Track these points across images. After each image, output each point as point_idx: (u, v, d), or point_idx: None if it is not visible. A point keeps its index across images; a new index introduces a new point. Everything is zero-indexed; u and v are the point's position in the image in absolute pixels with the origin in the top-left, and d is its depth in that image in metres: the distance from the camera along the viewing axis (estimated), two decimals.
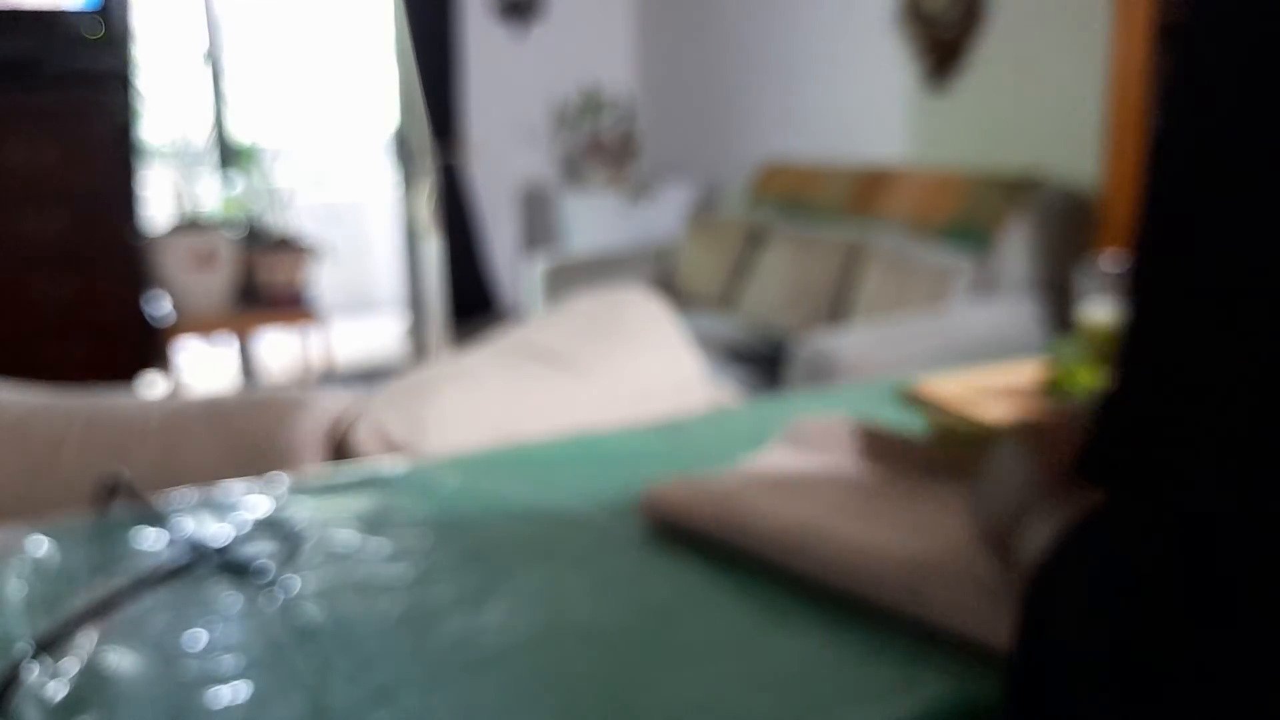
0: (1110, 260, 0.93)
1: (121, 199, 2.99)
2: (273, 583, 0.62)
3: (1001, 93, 2.88)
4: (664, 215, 3.90)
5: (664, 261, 3.60)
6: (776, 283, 3.07)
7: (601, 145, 4.11)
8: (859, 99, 3.36)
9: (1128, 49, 2.18)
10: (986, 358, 1.10)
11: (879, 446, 0.76)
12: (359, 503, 0.75)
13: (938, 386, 0.86)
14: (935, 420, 0.82)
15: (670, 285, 3.53)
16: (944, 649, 0.51)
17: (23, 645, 0.55)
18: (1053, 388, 0.84)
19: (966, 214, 2.69)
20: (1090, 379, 0.82)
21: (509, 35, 4.14)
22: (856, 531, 0.61)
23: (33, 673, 0.52)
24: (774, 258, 3.12)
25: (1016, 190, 2.60)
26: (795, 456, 0.77)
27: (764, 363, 2.67)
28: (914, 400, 0.85)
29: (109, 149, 2.93)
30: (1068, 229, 2.56)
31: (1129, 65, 2.18)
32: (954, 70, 2.99)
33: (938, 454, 0.73)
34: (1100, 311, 0.88)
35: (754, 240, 3.28)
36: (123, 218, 3.00)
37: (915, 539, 0.61)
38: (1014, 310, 2.49)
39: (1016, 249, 2.57)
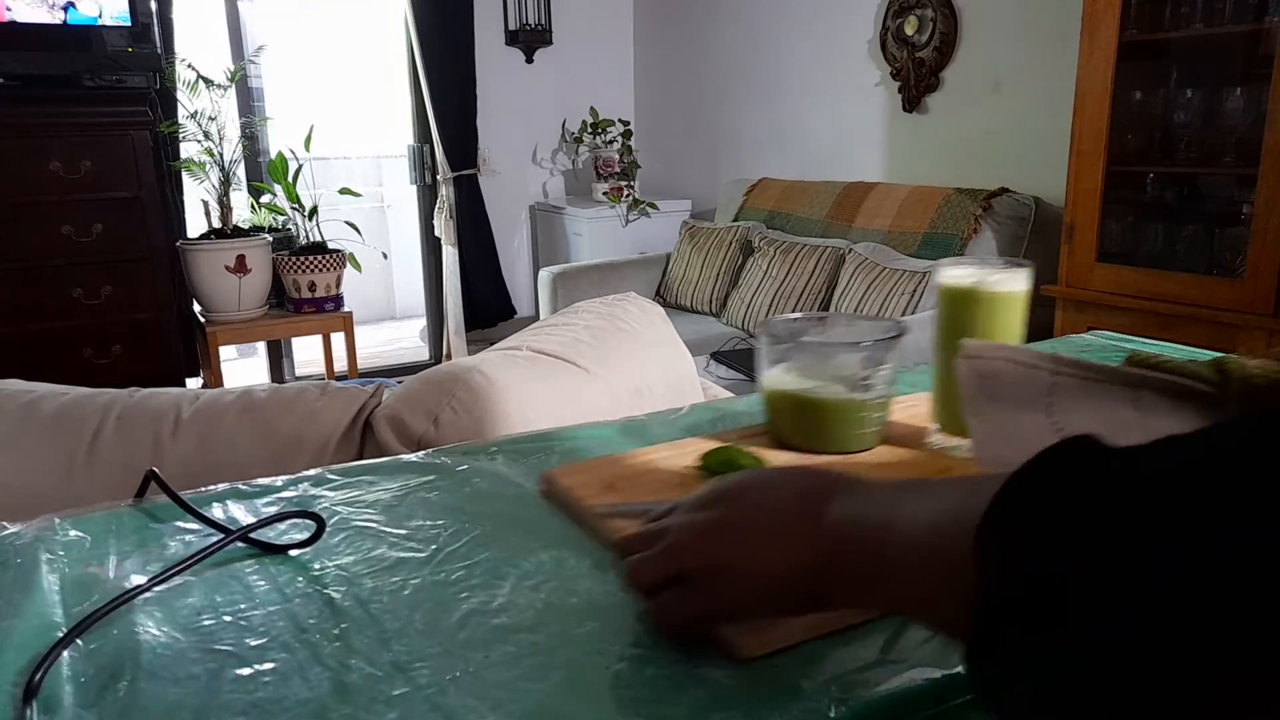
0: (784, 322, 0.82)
1: (156, 207, 2.97)
2: (297, 564, 0.61)
3: (975, 113, 2.87)
4: (661, 228, 3.91)
5: (660, 269, 3.60)
6: (763, 288, 3.06)
7: (604, 164, 4.11)
8: (840, 122, 3.36)
9: (1095, 71, 2.17)
10: None
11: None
12: (379, 490, 0.73)
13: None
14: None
15: (666, 291, 3.52)
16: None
17: (57, 627, 0.53)
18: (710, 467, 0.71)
19: (939, 224, 2.68)
20: (751, 461, 0.70)
21: (519, 61, 4.14)
22: None
23: (66, 653, 0.51)
24: (760, 265, 3.11)
25: (986, 200, 2.59)
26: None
27: (750, 362, 2.66)
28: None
29: (144, 159, 2.92)
30: (1034, 235, 2.55)
31: (1096, 86, 2.17)
32: (930, 93, 2.99)
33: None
34: (779, 377, 0.77)
35: (742, 249, 3.28)
36: (157, 225, 2.98)
37: None
38: None
39: (986, 254, 2.56)
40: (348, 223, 3.42)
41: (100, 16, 2.83)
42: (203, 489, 0.73)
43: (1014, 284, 0.73)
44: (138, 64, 2.90)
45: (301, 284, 3.32)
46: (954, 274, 0.75)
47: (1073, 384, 0.67)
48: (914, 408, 0.86)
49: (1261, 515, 0.25)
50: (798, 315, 0.86)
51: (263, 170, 3.59)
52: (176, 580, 0.59)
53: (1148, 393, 0.64)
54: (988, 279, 0.73)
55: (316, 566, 0.61)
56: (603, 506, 0.65)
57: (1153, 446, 0.30)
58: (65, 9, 2.79)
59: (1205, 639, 0.25)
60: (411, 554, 0.62)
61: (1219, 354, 0.68)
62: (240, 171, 3.46)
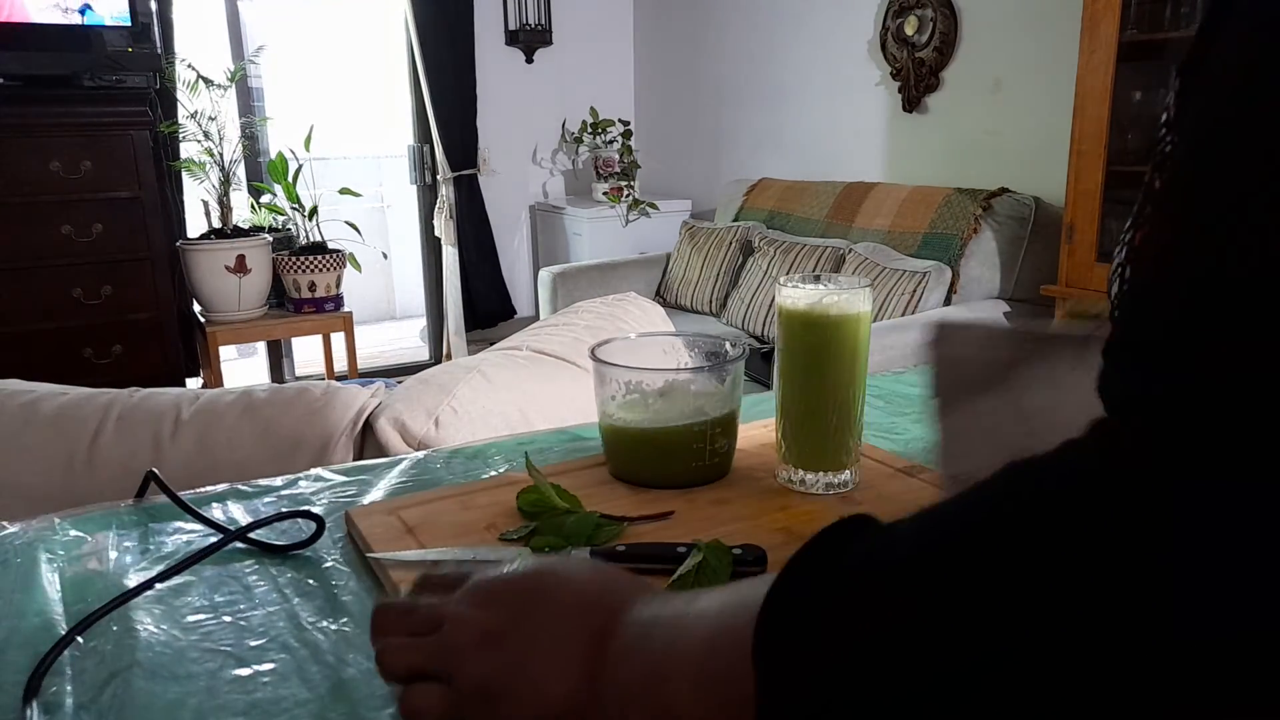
0: None
1: (156, 207, 2.97)
2: (296, 564, 0.61)
3: (975, 113, 2.87)
4: (661, 228, 3.91)
5: (660, 269, 3.60)
6: (763, 288, 3.06)
7: (604, 164, 4.11)
8: (840, 122, 3.36)
9: (1095, 71, 2.17)
10: None
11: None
12: (379, 491, 0.73)
13: None
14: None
15: (666, 291, 3.52)
16: None
17: (57, 626, 0.53)
18: None
19: (939, 224, 2.68)
20: (570, 501, 0.65)
21: (519, 61, 4.15)
22: None
23: (66, 652, 0.51)
24: (760, 265, 3.11)
25: (986, 200, 2.59)
26: None
27: (750, 360, 2.66)
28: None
29: (144, 159, 2.92)
30: (1034, 235, 2.55)
31: (1096, 86, 2.17)
32: (930, 92, 2.99)
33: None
34: (610, 408, 0.70)
35: (742, 249, 3.28)
36: (157, 225, 2.98)
37: None
38: (981, 311, 2.49)
39: (986, 254, 2.56)
40: (348, 223, 3.42)
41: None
42: (202, 489, 0.73)
43: (854, 305, 0.68)
44: (138, 64, 2.90)
45: (301, 284, 3.32)
46: (792, 295, 0.68)
47: (1033, 357, 0.64)
48: (770, 433, 0.78)
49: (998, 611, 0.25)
50: (638, 335, 0.82)
51: (263, 170, 3.59)
52: (176, 580, 0.59)
53: (1094, 346, 0.60)
54: (824, 300, 0.67)
55: (316, 566, 0.61)
56: (388, 558, 0.59)
57: (911, 524, 0.30)
58: (82, 11, 2.79)
59: None
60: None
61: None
62: (240, 171, 3.46)
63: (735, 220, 3.45)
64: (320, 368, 3.72)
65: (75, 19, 2.78)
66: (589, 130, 4.17)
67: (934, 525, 0.29)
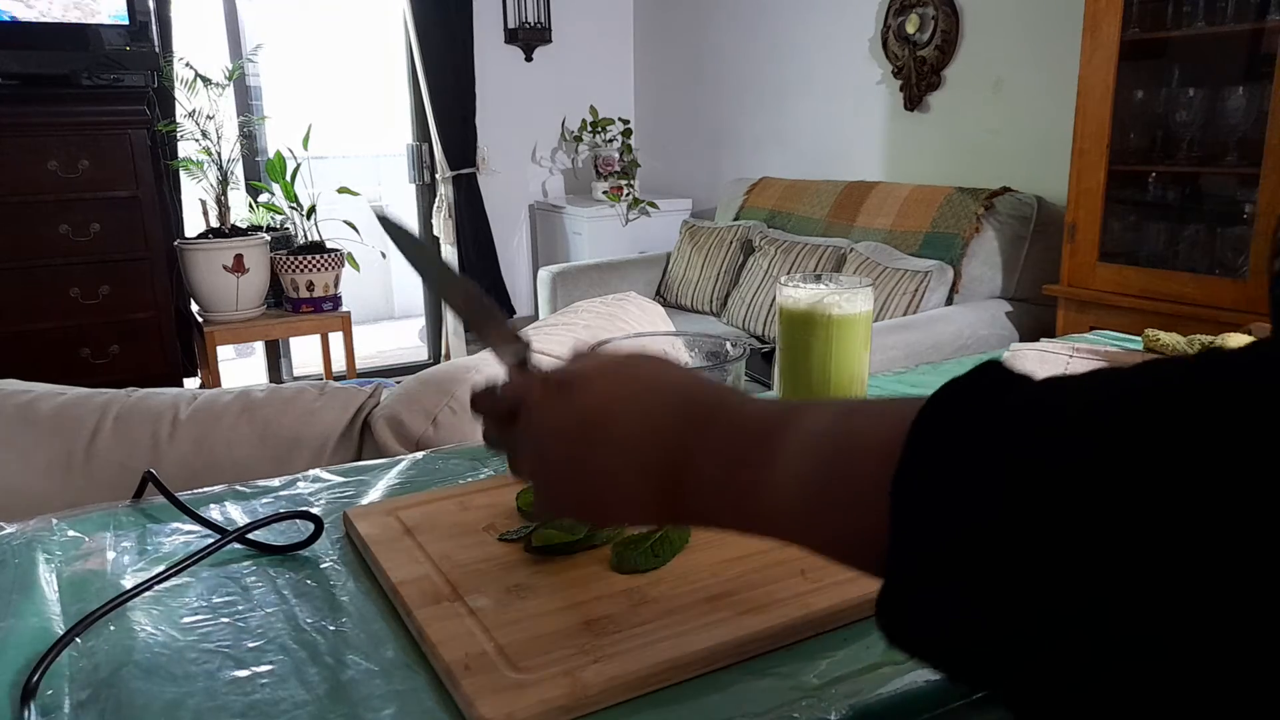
0: None
1: (154, 207, 2.97)
2: (295, 565, 0.61)
3: (976, 112, 2.87)
4: (661, 228, 3.91)
5: (660, 269, 3.60)
6: (763, 288, 3.06)
7: (604, 163, 4.11)
8: (842, 121, 3.36)
9: (1097, 70, 2.17)
10: (961, 355, 1.09)
11: None
12: (378, 491, 0.73)
13: None
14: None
15: (666, 291, 3.52)
16: None
17: (55, 627, 0.53)
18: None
19: (940, 223, 2.68)
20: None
21: (518, 59, 4.14)
22: None
23: (63, 653, 0.51)
24: (761, 264, 3.11)
25: (987, 199, 2.59)
26: None
27: (750, 360, 2.66)
28: None
29: (141, 159, 2.92)
30: (1036, 235, 2.55)
31: (1098, 85, 2.17)
32: (931, 91, 2.99)
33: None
34: None
35: (743, 248, 3.28)
36: (155, 225, 2.98)
37: None
38: (984, 311, 2.49)
39: (987, 253, 2.56)
40: (346, 222, 3.42)
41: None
42: (200, 490, 0.73)
43: (854, 305, 0.68)
44: (135, 63, 2.90)
45: (300, 283, 3.32)
46: (793, 294, 0.69)
47: (1086, 363, 0.77)
48: None
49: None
50: (638, 335, 0.81)
51: (261, 169, 3.59)
52: (174, 581, 0.59)
53: None
54: (825, 300, 0.68)
55: (314, 567, 0.61)
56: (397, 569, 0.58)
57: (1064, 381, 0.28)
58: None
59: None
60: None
61: (1210, 338, 0.76)
62: (238, 170, 3.46)
63: (736, 219, 3.45)
64: (319, 368, 3.72)
65: (73, 17, 2.78)
66: (589, 129, 4.17)
67: (1105, 384, 0.27)
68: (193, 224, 3.46)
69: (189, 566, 0.60)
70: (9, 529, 0.66)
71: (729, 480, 0.37)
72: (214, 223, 3.27)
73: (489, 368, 1.06)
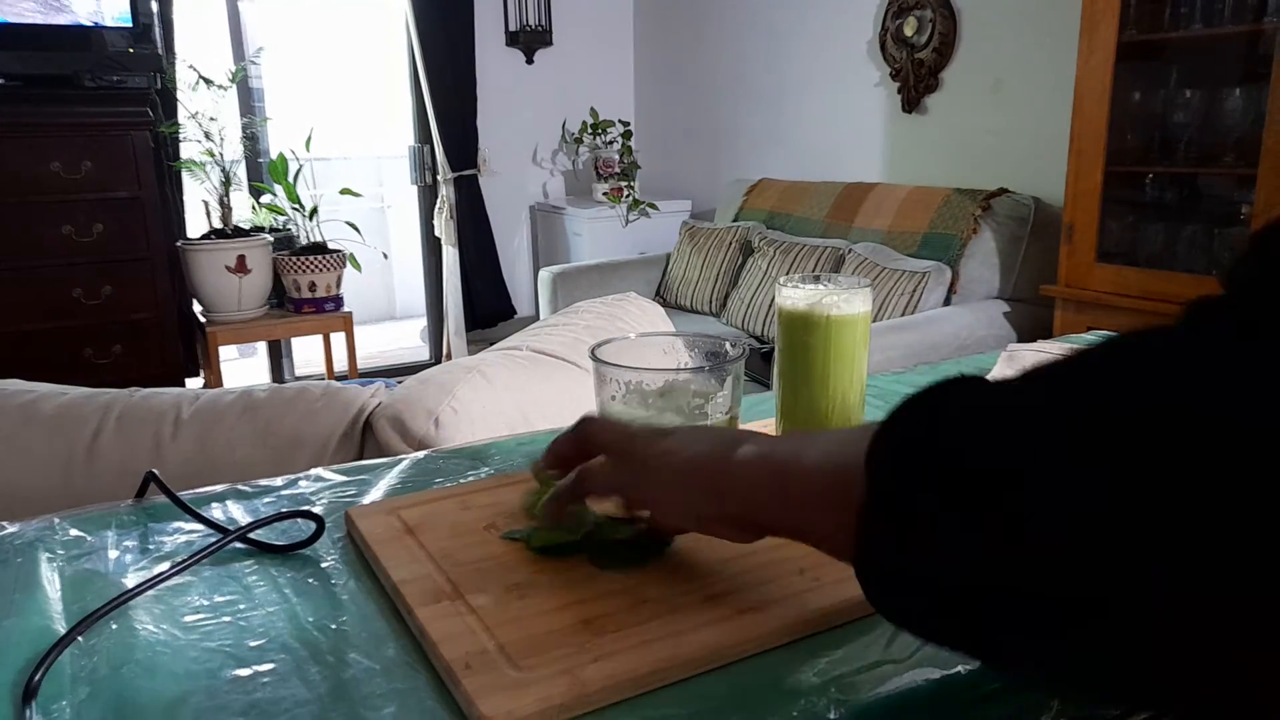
0: None
1: (157, 208, 2.97)
2: (296, 564, 0.61)
3: (974, 114, 2.87)
4: (661, 229, 3.91)
5: (660, 269, 3.60)
6: (763, 288, 3.06)
7: (604, 164, 4.11)
8: (840, 122, 3.36)
9: (1094, 71, 2.17)
10: (959, 355, 1.09)
11: None
12: (379, 491, 0.73)
13: None
14: None
15: (666, 291, 3.52)
16: None
17: (56, 626, 0.53)
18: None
19: (938, 224, 2.68)
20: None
21: (519, 61, 4.15)
22: None
23: (65, 652, 0.51)
24: (760, 265, 3.11)
25: (985, 200, 2.59)
26: None
27: (750, 360, 2.66)
28: None
29: (144, 160, 2.92)
30: (1034, 235, 2.55)
31: (1095, 86, 2.17)
32: (929, 93, 2.99)
33: None
34: (612, 407, 0.68)
35: (742, 249, 3.28)
36: (158, 226, 2.98)
37: None
38: (981, 312, 2.49)
39: (985, 254, 2.56)
40: (348, 223, 3.42)
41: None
42: (202, 489, 0.73)
43: (853, 306, 0.67)
44: (138, 64, 2.90)
45: (302, 284, 3.32)
46: (791, 295, 0.68)
47: None
48: (770, 434, 0.78)
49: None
50: (638, 335, 0.81)
51: (263, 170, 3.59)
52: (176, 580, 0.59)
53: None
54: (824, 300, 0.67)
55: (316, 566, 0.61)
56: (397, 569, 0.57)
57: (1031, 374, 0.32)
58: None
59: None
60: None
61: None
62: (240, 172, 3.46)
63: (735, 220, 3.45)
64: (320, 368, 3.72)
65: (75, 19, 2.78)
66: (589, 130, 4.17)
67: (1045, 376, 0.31)
68: (195, 225, 3.46)
69: (191, 565, 0.60)
70: (11, 528, 0.66)
71: (760, 476, 0.44)
72: (216, 223, 3.27)
73: (489, 368, 1.06)
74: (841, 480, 0.36)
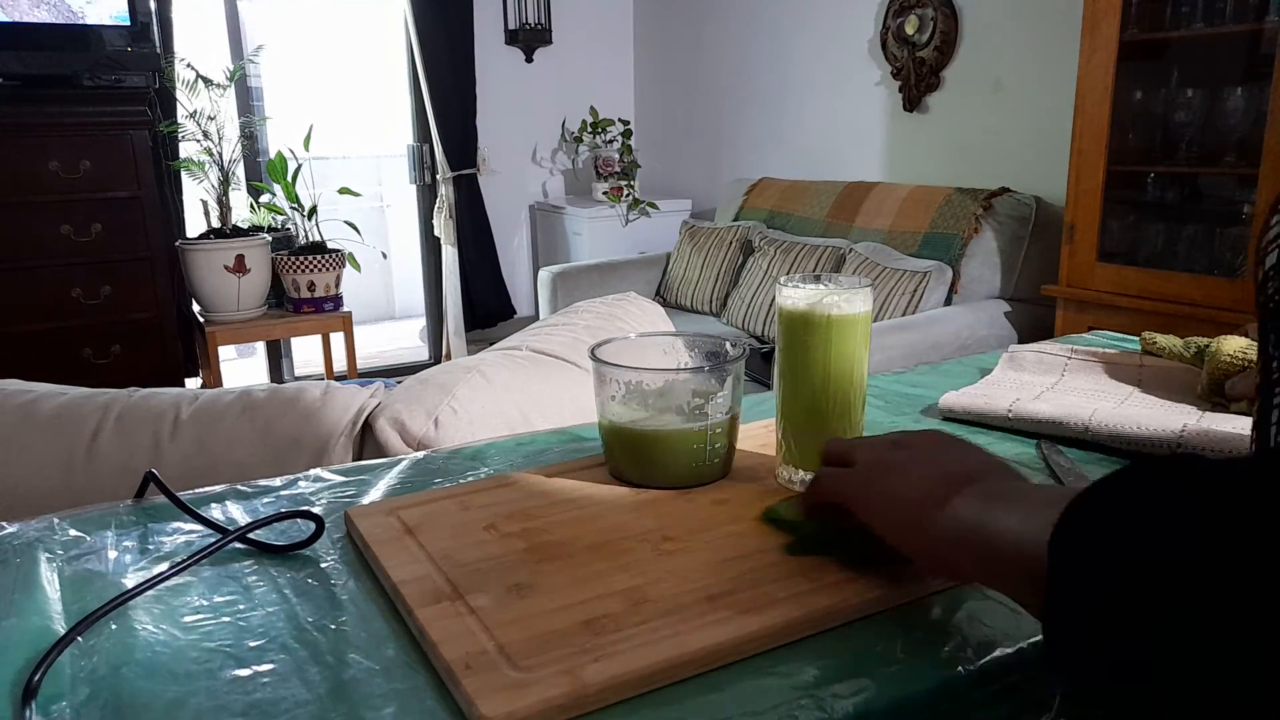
0: None
1: (155, 207, 2.98)
2: (296, 565, 0.61)
3: (975, 113, 2.87)
4: (661, 228, 3.91)
5: (660, 269, 3.60)
6: (763, 288, 3.06)
7: (604, 163, 4.11)
8: (841, 121, 3.36)
9: (1096, 70, 2.17)
10: (960, 355, 1.09)
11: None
12: (378, 491, 0.73)
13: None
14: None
15: (666, 291, 3.52)
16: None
17: (56, 626, 0.53)
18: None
19: (939, 224, 2.68)
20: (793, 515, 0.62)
21: (519, 60, 4.15)
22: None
23: (65, 653, 0.51)
24: (761, 265, 3.11)
25: (986, 200, 2.59)
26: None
27: (750, 360, 2.66)
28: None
29: (143, 159, 2.92)
30: (1035, 235, 2.55)
31: (1097, 86, 2.17)
32: (930, 92, 2.99)
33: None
34: (611, 408, 0.69)
35: (742, 249, 3.28)
36: (157, 225, 2.98)
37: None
38: (982, 311, 2.49)
39: (986, 254, 2.56)
40: (347, 222, 3.42)
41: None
42: (202, 489, 0.73)
43: (854, 306, 0.67)
44: (137, 63, 2.90)
45: (301, 284, 3.32)
46: (792, 295, 0.68)
47: (1084, 364, 0.94)
48: (770, 434, 0.77)
49: None
50: (638, 335, 0.81)
51: (262, 170, 3.59)
52: (175, 580, 0.59)
53: (1148, 368, 0.93)
54: (824, 300, 0.67)
55: (315, 567, 0.61)
56: (398, 569, 0.58)
57: (1220, 465, 0.35)
58: None
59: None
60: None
61: (1206, 340, 0.83)
62: (239, 171, 3.46)
63: (735, 220, 3.45)
64: (319, 368, 3.72)
65: (73, 18, 2.78)
66: (589, 130, 4.17)
67: (1219, 507, 0.33)
68: (194, 224, 3.46)
69: (190, 566, 0.60)
70: (10, 528, 0.66)
71: (989, 509, 0.47)
72: (215, 223, 3.27)
73: (489, 368, 1.06)
74: (1031, 572, 0.40)
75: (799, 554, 0.58)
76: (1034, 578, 0.39)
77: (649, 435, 0.69)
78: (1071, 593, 0.37)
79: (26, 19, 2.76)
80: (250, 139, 3.57)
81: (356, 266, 3.48)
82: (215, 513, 0.69)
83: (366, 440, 0.97)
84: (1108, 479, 0.38)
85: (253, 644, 0.51)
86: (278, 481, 0.75)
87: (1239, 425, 0.74)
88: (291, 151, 3.33)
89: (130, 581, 0.58)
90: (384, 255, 4.61)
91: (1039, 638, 0.50)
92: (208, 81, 3.20)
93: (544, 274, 3.50)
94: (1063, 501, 0.39)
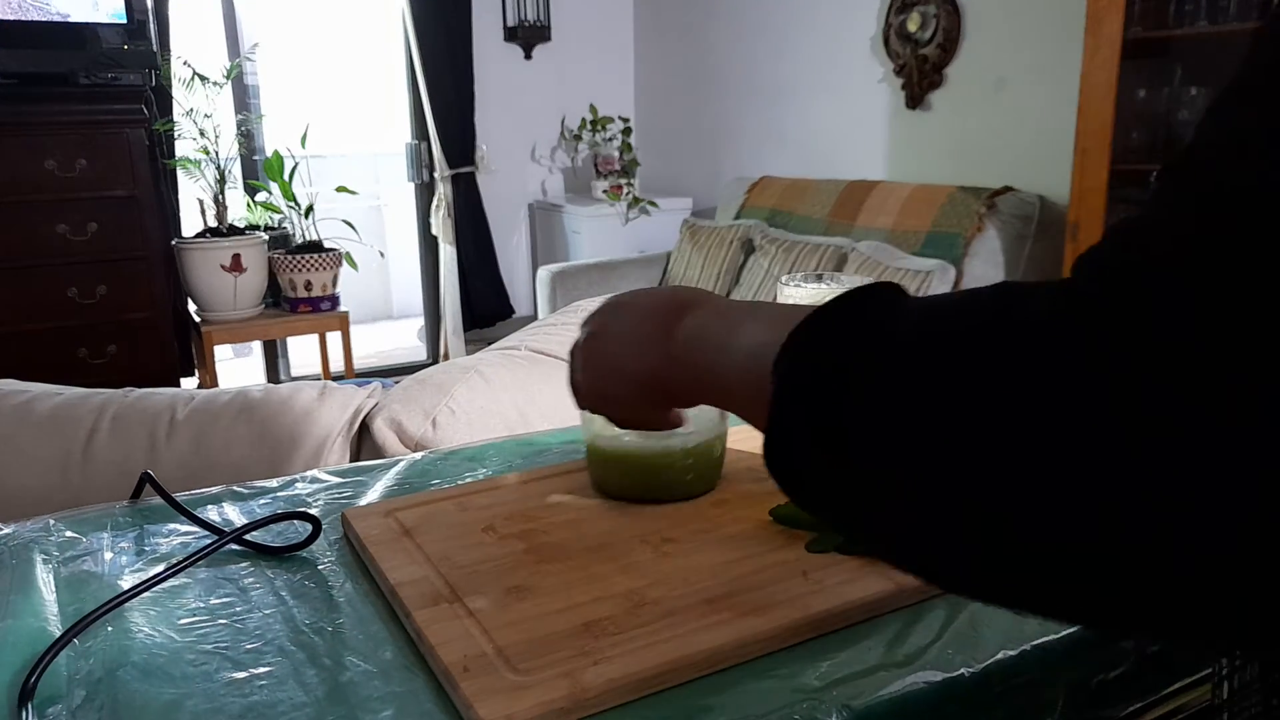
0: None
1: (152, 206, 2.97)
2: (293, 566, 0.61)
3: (978, 111, 2.87)
4: (661, 227, 3.91)
5: (660, 268, 3.60)
6: (764, 287, 3.06)
7: (603, 161, 4.11)
8: (843, 119, 3.36)
9: (1099, 68, 2.18)
10: None
11: None
12: (376, 492, 0.74)
13: None
14: None
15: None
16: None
17: (52, 628, 0.53)
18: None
19: (942, 222, 2.68)
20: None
21: (517, 57, 4.14)
22: None
23: (62, 653, 0.51)
24: (762, 264, 3.11)
25: (989, 198, 2.59)
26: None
27: None
28: None
29: (139, 158, 2.92)
30: (1038, 234, 2.55)
31: (1100, 84, 2.17)
32: (933, 90, 2.99)
33: None
34: (596, 426, 0.72)
35: (743, 248, 3.28)
36: (153, 224, 2.98)
37: None
38: None
39: (989, 253, 2.56)
40: (344, 221, 3.42)
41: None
42: (198, 490, 0.73)
43: None
44: (133, 61, 2.90)
45: (298, 283, 3.32)
46: (794, 294, 0.70)
47: None
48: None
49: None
50: None
51: (259, 168, 3.59)
52: (172, 582, 0.59)
53: None
54: (824, 299, 0.69)
55: (312, 568, 0.61)
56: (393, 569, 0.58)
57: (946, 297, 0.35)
58: None
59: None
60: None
61: None
62: (236, 170, 3.46)
63: (736, 219, 3.45)
64: (316, 368, 3.72)
65: (69, 16, 2.78)
66: (588, 127, 4.17)
67: (937, 317, 0.34)
68: (190, 223, 3.45)
69: (186, 567, 0.60)
70: (6, 529, 0.66)
71: (706, 332, 0.48)
72: (211, 222, 3.27)
73: (487, 368, 1.06)
74: (759, 383, 0.40)
75: (819, 551, 0.58)
76: (760, 395, 0.39)
77: (632, 455, 0.68)
78: (788, 420, 0.37)
79: (21, 17, 2.76)
80: (247, 137, 3.57)
81: (354, 265, 3.48)
82: (212, 514, 0.69)
83: (364, 441, 0.97)
84: (837, 299, 0.38)
85: (249, 646, 0.51)
86: (274, 482, 0.75)
87: None
88: (288, 149, 3.33)
89: (127, 583, 0.58)
90: (381, 254, 4.61)
91: (1042, 640, 0.50)
92: (204, 79, 3.20)
93: (543, 273, 3.50)
94: (792, 321, 0.39)
